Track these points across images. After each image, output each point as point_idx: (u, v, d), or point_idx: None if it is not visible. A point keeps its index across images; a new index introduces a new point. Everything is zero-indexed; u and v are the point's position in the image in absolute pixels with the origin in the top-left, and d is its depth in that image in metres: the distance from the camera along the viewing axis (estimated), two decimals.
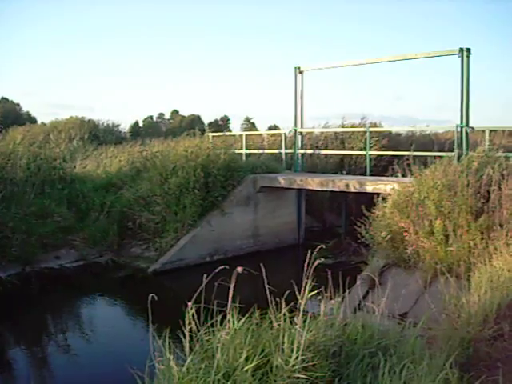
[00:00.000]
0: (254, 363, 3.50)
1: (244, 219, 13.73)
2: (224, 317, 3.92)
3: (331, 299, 4.43)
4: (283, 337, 3.70)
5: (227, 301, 3.88)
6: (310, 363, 3.57)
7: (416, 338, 4.41)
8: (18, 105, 53.27)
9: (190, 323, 3.69)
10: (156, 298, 3.69)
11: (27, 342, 8.62)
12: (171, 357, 3.61)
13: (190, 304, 3.68)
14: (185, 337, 3.68)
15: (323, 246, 4.38)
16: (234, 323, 3.85)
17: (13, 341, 8.87)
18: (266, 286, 4.04)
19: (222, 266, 3.89)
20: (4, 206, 11.17)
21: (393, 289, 6.24)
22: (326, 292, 4.44)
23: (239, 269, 3.74)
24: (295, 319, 3.84)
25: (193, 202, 12.51)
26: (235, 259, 12.47)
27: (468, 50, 11.85)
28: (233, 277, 3.76)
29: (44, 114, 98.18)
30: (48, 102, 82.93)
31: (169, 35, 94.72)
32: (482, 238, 7.44)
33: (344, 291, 4.88)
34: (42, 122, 32.86)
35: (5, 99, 52.44)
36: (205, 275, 3.85)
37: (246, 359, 3.53)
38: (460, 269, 7.15)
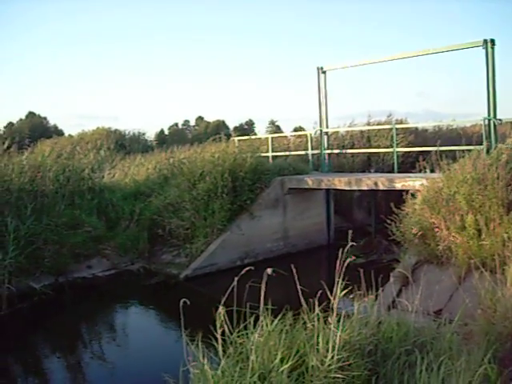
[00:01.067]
0: (289, 364, 3.48)
1: (273, 222, 13.71)
2: (256, 319, 3.91)
3: (364, 298, 4.40)
4: (318, 337, 3.67)
5: (259, 303, 3.87)
6: (346, 362, 3.54)
7: (452, 334, 4.35)
8: (45, 118, 54.09)
9: (221, 326, 3.68)
10: (188, 302, 3.69)
11: (62, 351, 8.71)
12: (205, 360, 3.60)
13: (220, 307, 3.67)
14: (217, 340, 3.68)
15: (354, 244, 4.35)
16: (267, 325, 3.83)
17: (48, 349, 8.96)
18: (298, 287, 4.01)
19: (248, 268, 3.88)
20: (35, 217, 11.29)
21: (426, 285, 6.19)
22: (359, 291, 4.41)
23: (269, 270, 3.73)
24: (329, 319, 3.82)
25: (221, 206, 12.54)
26: (266, 262, 12.44)
27: (492, 40, 11.71)
28: (263, 278, 3.74)
29: (70, 126, 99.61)
30: (73, 113, 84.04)
31: (191, 41, 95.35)
32: None
33: (377, 289, 4.84)
34: (70, 134, 33.39)
35: (32, 113, 53.29)
36: (235, 278, 3.84)
37: (281, 360, 3.51)
38: (494, 263, 7.05)
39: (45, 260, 11.04)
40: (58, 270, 11.34)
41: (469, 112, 66.29)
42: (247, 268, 3.88)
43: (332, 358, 3.51)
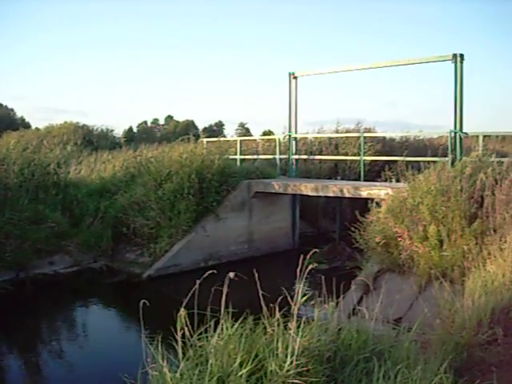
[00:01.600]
0: (248, 368, 3.49)
1: (238, 224, 13.72)
2: (217, 322, 3.91)
3: (325, 304, 4.43)
4: (277, 342, 3.69)
5: (220, 306, 3.87)
6: (305, 368, 3.56)
7: (410, 342, 4.40)
8: (12, 110, 53.17)
9: (182, 329, 3.67)
10: (148, 303, 3.67)
11: (20, 348, 8.59)
12: (164, 363, 3.59)
13: (181, 309, 3.66)
14: (177, 343, 3.67)
15: (317, 251, 4.37)
16: (227, 328, 3.83)
17: (5, 347, 8.81)
18: (260, 292, 4.02)
19: (211, 271, 3.87)
20: None
21: (387, 294, 6.24)
22: (320, 297, 4.44)
23: (231, 274, 3.73)
24: (289, 324, 3.83)
25: (187, 207, 12.50)
26: (230, 264, 12.45)
27: (461, 55, 11.89)
28: (225, 282, 3.74)
29: (37, 119, 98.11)
30: (41, 106, 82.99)
31: (163, 41, 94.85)
32: (476, 243, 7.46)
33: (338, 296, 4.87)
34: (36, 128, 32.90)
35: None
36: (197, 281, 3.83)
37: (240, 364, 3.51)
38: (454, 274, 7.18)
39: (5, 254, 10.86)
40: (19, 265, 11.17)
41: (437, 124, 67.34)
42: (209, 271, 3.87)
43: (291, 363, 3.52)
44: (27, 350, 8.42)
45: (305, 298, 4.01)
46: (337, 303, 4.76)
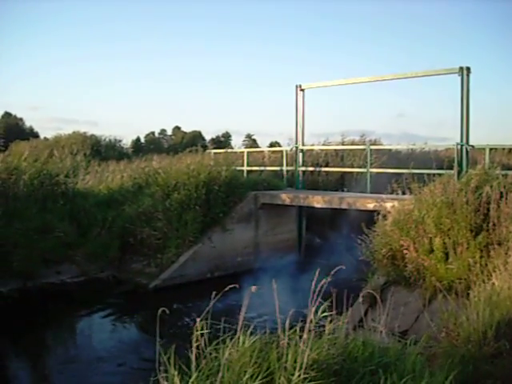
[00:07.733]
0: (257, 381, 3.53)
1: (245, 236, 13.80)
2: (230, 334, 3.93)
3: (333, 317, 4.45)
4: (287, 355, 3.72)
5: (233, 318, 3.90)
6: (313, 382, 3.60)
7: (416, 355, 4.43)
8: (21, 119, 53.50)
9: (197, 340, 3.69)
10: (167, 311, 3.69)
11: (28, 358, 8.66)
12: (175, 372, 3.63)
13: (198, 320, 3.68)
14: (191, 353, 3.69)
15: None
16: (243, 342, 3.84)
17: (13, 356, 8.87)
18: (277, 304, 4.02)
19: (233, 286, 3.88)
20: (6, 220, 11.21)
21: (393, 306, 6.28)
22: (328, 310, 4.47)
23: (253, 288, 3.73)
24: (297, 337, 3.87)
25: (194, 218, 12.58)
26: (236, 276, 12.49)
27: (468, 68, 11.95)
28: (246, 296, 3.74)
29: (47, 129, 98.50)
30: (52, 116, 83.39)
31: (172, 51, 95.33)
32: (482, 256, 7.49)
33: (345, 309, 4.91)
34: (45, 137, 33.10)
35: (8, 114, 52.64)
36: (204, 291, 3.84)
37: (251, 377, 3.56)
38: (459, 286, 7.21)
39: (13, 264, 10.92)
40: (27, 274, 11.21)
41: (445, 136, 67.20)
42: (231, 286, 3.89)
43: (299, 376, 3.56)
44: (34, 360, 8.48)
45: (322, 314, 4.03)
46: (343, 316, 4.78)
